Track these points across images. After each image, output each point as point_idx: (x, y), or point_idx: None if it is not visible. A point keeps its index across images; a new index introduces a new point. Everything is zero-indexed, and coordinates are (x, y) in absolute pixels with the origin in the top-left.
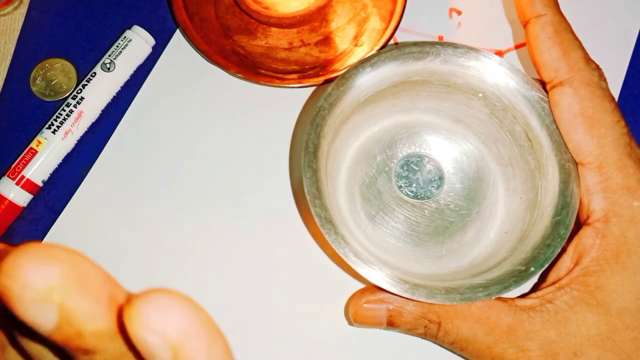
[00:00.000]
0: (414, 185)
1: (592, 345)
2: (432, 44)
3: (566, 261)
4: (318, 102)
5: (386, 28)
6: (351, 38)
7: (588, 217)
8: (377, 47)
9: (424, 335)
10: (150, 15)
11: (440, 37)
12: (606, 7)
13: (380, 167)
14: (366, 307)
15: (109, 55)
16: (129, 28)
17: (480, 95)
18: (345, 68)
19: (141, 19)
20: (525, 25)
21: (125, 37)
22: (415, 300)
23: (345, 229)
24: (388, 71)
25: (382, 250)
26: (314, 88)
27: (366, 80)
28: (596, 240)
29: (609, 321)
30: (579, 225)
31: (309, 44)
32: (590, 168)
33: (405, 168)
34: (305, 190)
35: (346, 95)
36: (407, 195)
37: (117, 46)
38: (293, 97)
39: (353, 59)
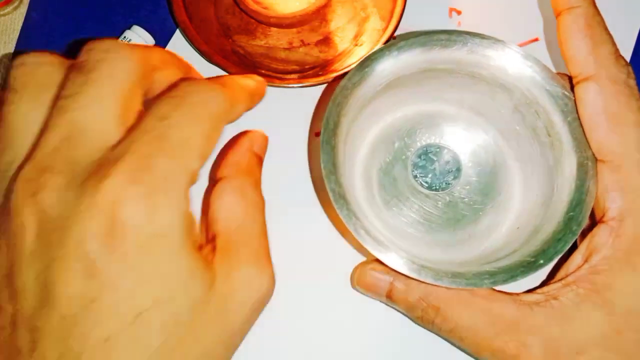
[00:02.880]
0: (430, 175)
1: (595, 344)
2: (459, 32)
3: (577, 258)
4: (341, 82)
5: (386, 28)
6: (351, 38)
7: (604, 215)
8: (377, 47)
9: (421, 320)
10: (150, 15)
11: None
12: (606, 7)
13: (398, 154)
14: (370, 273)
15: None
16: (129, 28)
17: (506, 88)
18: (345, 68)
19: (141, 19)
20: (557, 16)
21: (125, 37)
22: (421, 282)
23: (358, 207)
24: (414, 57)
25: (393, 233)
26: (313, 88)
27: (391, 65)
28: (609, 239)
29: (614, 321)
30: (594, 222)
31: (308, 44)
32: (610, 166)
33: (422, 157)
34: (322, 165)
35: (370, 77)
36: (422, 185)
37: None
38: (293, 97)
39: (353, 59)
